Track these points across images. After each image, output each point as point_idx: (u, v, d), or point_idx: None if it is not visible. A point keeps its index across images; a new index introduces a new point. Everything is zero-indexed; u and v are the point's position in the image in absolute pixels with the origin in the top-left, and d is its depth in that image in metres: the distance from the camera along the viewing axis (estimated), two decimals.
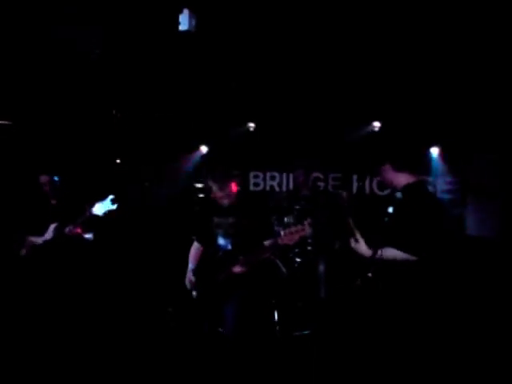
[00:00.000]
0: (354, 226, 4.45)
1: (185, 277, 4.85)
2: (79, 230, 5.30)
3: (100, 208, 5.13)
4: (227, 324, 4.55)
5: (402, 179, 4.27)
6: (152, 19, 5.37)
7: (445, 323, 5.28)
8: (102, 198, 5.16)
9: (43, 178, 5.53)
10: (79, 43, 5.78)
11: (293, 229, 4.37)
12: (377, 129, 8.64)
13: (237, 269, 4.45)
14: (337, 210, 6.65)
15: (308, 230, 4.31)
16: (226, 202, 4.60)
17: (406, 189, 4.27)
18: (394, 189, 4.38)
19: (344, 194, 4.89)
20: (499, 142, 7.97)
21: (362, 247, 4.30)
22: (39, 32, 5.72)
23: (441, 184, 8.74)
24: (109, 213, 5.16)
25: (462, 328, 5.69)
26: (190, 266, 4.87)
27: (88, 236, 5.48)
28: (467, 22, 5.63)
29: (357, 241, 4.31)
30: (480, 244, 7.71)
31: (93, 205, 5.16)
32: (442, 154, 8.62)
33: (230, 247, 4.63)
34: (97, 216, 5.16)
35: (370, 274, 5.11)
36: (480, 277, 6.90)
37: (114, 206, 5.14)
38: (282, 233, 4.35)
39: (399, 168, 4.29)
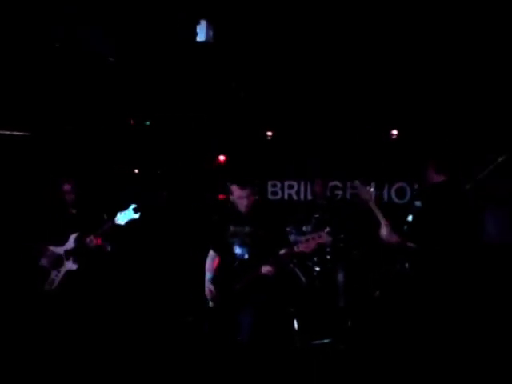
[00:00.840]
0: (379, 211, 4.48)
1: (202, 285, 4.85)
2: (100, 241, 5.32)
3: (122, 217, 5.16)
4: (245, 332, 4.53)
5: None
6: (170, 27, 5.40)
7: (465, 333, 5.23)
8: (124, 208, 5.18)
9: (66, 187, 5.55)
10: (93, 48, 5.81)
11: (309, 236, 4.39)
12: (395, 137, 8.60)
13: (265, 269, 4.42)
14: (355, 218, 6.63)
15: (326, 238, 4.31)
16: (244, 203, 4.58)
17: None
18: (413, 197, 4.40)
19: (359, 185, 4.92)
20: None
21: (389, 233, 4.34)
22: (55, 40, 5.77)
23: None
24: (131, 222, 5.19)
25: (481, 335, 5.62)
26: (208, 275, 4.87)
27: (108, 247, 5.49)
28: (484, 28, 5.59)
29: (383, 226, 4.36)
30: (499, 251, 7.61)
31: (115, 214, 5.19)
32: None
33: (246, 256, 4.62)
34: (119, 226, 5.19)
35: (377, 293, 5.13)
36: (499, 283, 6.80)
37: (137, 215, 5.16)
38: (299, 239, 4.36)
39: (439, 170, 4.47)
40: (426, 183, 4.62)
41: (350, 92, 7.48)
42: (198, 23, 4.78)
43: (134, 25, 5.46)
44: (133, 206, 5.15)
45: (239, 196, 4.58)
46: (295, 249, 4.37)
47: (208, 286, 4.80)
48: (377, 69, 6.68)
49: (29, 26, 5.28)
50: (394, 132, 8.56)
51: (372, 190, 4.72)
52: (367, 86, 7.22)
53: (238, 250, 4.65)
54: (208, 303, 4.80)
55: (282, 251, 4.48)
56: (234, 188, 4.59)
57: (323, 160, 8.69)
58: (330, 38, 5.98)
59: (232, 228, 4.69)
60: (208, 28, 4.75)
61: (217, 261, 4.92)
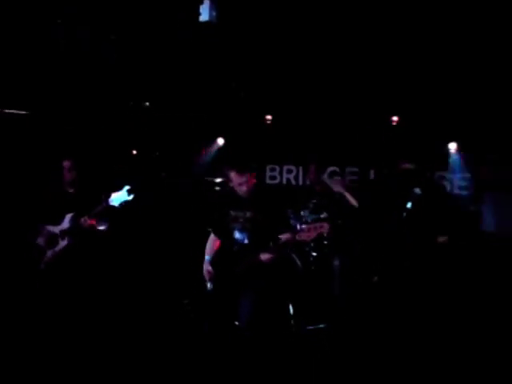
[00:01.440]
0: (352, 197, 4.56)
1: (201, 269, 4.85)
2: (93, 222, 5.29)
3: (116, 199, 5.12)
4: (242, 316, 4.53)
5: None
6: (170, 11, 5.35)
7: (458, 320, 5.27)
8: (118, 189, 5.15)
9: (66, 163, 5.50)
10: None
11: (311, 225, 4.39)
12: (395, 123, 8.58)
13: (264, 256, 4.42)
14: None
15: (327, 228, 4.32)
16: (244, 189, 4.56)
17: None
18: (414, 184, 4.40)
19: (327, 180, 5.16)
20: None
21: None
22: (57, 25, 5.75)
23: (458, 180, 8.65)
24: (125, 204, 5.16)
25: (475, 324, 5.66)
26: (207, 257, 4.86)
27: (102, 227, 5.46)
28: (487, 19, 5.56)
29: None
30: (496, 241, 7.63)
31: (109, 195, 5.15)
32: (460, 149, 8.53)
33: (246, 241, 4.61)
34: (113, 207, 5.16)
35: (375, 278, 5.17)
36: (495, 272, 6.84)
37: (130, 197, 5.12)
38: (300, 228, 4.35)
39: None
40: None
41: (351, 77, 7.44)
42: (201, 3, 4.72)
43: (135, 5, 5.42)
44: (127, 187, 5.11)
45: (238, 181, 4.56)
46: (296, 237, 4.38)
47: (206, 268, 4.80)
48: (376, 54, 6.65)
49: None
50: (394, 118, 8.54)
51: (338, 178, 4.82)
52: (367, 71, 7.19)
53: (238, 235, 4.64)
54: (205, 285, 4.80)
55: (283, 238, 4.48)
56: (233, 174, 4.57)
57: (322, 145, 8.65)
58: (329, 25, 5.94)
59: (232, 213, 4.67)
60: (211, 8, 4.69)
61: (217, 244, 4.92)
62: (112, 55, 6.45)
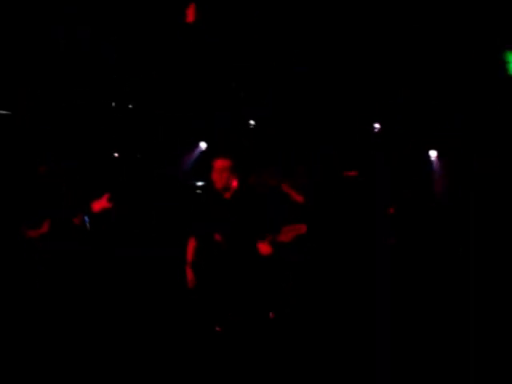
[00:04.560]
0: None
1: (183, 271, 4.84)
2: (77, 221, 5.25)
3: (96, 205, 5.09)
4: (224, 319, 4.55)
5: None
6: (153, 14, 5.36)
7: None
8: (98, 195, 5.12)
9: (43, 168, 5.46)
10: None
11: (290, 227, 4.43)
12: (376, 130, 8.65)
13: (264, 248, 4.45)
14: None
15: (304, 230, 4.39)
16: (223, 180, 4.58)
17: None
18: None
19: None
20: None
21: None
22: (37, 27, 5.73)
23: (439, 186, 8.73)
24: (105, 210, 5.13)
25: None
26: (188, 259, 4.85)
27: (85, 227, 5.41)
28: (464, 26, 5.66)
29: None
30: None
31: (89, 201, 5.12)
32: (440, 156, 8.63)
33: (228, 243, 4.62)
34: (93, 213, 5.13)
35: None
36: None
37: (110, 204, 5.09)
38: (280, 230, 4.41)
39: None
40: None
41: (333, 84, 7.50)
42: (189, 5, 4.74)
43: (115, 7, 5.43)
44: (106, 193, 5.05)
45: (218, 169, 4.57)
46: (274, 239, 4.42)
47: (187, 269, 4.79)
48: (359, 60, 6.72)
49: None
50: (377, 125, 8.61)
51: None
52: (349, 78, 7.25)
53: (217, 236, 4.64)
54: (187, 288, 4.80)
55: (263, 239, 4.50)
56: (216, 161, 4.59)
57: (306, 151, 8.68)
58: (312, 32, 6.00)
59: (214, 214, 4.68)
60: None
61: (195, 246, 4.92)
62: (111, 56, 6.43)
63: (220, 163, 4.60)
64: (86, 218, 5.35)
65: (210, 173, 4.72)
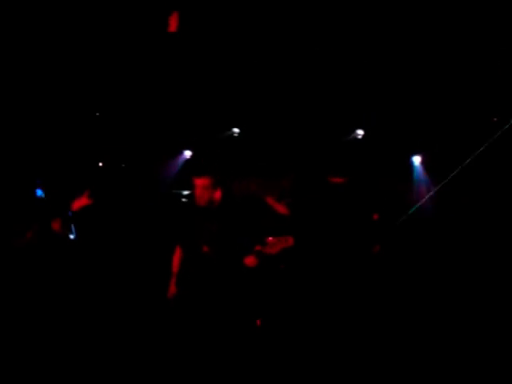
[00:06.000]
0: None
1: (168, 281, 4.82)
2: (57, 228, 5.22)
3: (76, 203, 5.07)
4: (211, 327, 4.53)
5: None
6: (139, 20, 5.35)
7: None
8: (83, 203, 5.09)
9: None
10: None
11: (277, 239, 4.43)
12: (360, 136, 8.67)
13: (249, 260, 4.44)
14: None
15: (292, 242, 4.39)
16: (205, 197, 4.57)
17: None
18: None
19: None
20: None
21: None
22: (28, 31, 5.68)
23: (423, 192, 8.77)
24: (85, 207, 5.10)
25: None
26: (174, 270, 4.84)
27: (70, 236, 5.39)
28: (452, 31, 5.71)
29: None
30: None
31: (72, 210, 5.10)
32: (425, 162, 8.67)
33: (213, 253, 4.60)
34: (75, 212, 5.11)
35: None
36: None
37: (90, 200, 5.08)
38: (266, 241, 4.41)
39: None
40: None
41: (316, 91, 7.52)
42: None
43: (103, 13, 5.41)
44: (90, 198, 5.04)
45: (200, 186, 4.55)
46: (261, 250, 4.41)
47: (172, 281, 4.79)
48: (343, 66, 6.75)
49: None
50: (360, 132, 8.64)
51: None
52: (333, 84, 7.28)
53: (204, 247, 4.62)
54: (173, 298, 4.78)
55: (249, 251, 4.49)
56: (195, 180, 4.57)
57: (290, 158, 8.70)
58: (298, 39, 6.02)
59: (199, 225, 4.66)
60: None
61: (180, 256, 4.90)
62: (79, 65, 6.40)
63: (201, 182, 4.57)
64: (72, 227, 5.33)
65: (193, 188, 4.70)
